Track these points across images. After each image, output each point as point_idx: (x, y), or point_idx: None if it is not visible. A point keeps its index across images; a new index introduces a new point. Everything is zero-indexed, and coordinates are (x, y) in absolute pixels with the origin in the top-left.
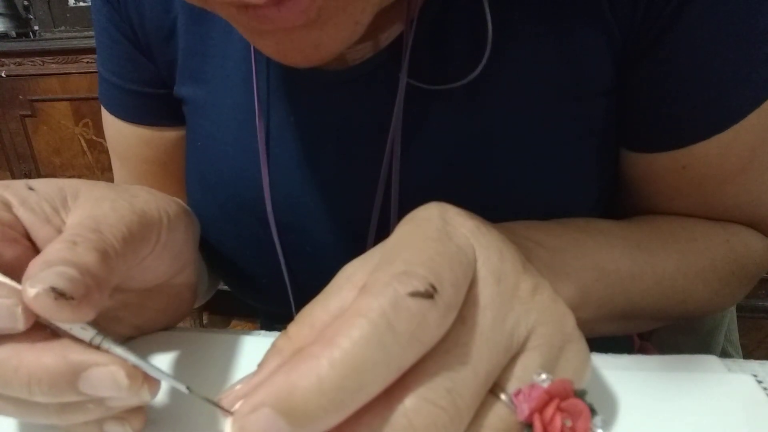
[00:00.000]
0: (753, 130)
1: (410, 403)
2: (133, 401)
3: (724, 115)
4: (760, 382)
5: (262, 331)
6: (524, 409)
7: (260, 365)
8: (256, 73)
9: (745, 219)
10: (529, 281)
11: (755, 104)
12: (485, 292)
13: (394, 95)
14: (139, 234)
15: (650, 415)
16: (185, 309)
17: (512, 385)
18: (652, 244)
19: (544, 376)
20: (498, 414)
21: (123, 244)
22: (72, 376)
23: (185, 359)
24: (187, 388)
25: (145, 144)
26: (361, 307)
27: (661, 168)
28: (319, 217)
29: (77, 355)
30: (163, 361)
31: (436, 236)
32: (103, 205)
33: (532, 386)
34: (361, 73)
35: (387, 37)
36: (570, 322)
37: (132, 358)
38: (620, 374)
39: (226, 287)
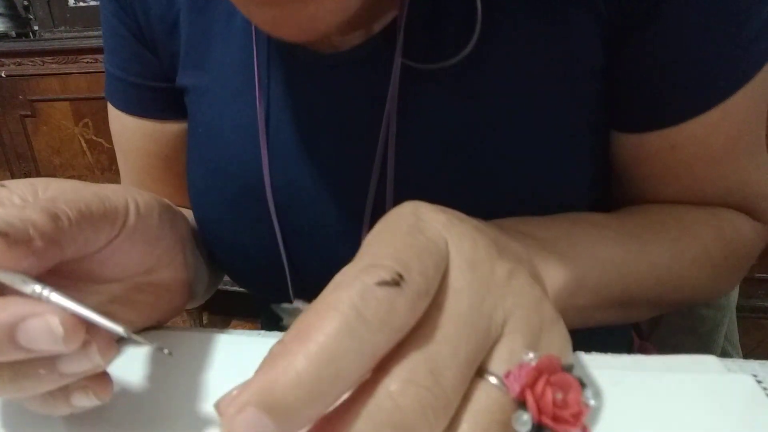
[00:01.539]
0: (739, 110)
1: (395, 386)
2: (84, 364)
3: (712, 93)
4: (760, 382)
5: (262, 331)
6: (515, 387)
7: (256, 372)
8: (257, 58)
9: (735, 203)
10: (504, 267)
11: (741, 83)
12: (460, 279)
13: (389, 77)
14: (99, 211)
15: (650, 415)
16: (178, 304)
17: (501, 368)
18: (644, 233)
19: (531, 355)
20: (491, 397)
21: (78, 214)
22: (10, 329)
23: (185, 359)
24: (125, 330)
25: (148, 137)
26: (331, 301)
27: (651, 149)
28: (317, 197)
29: (15, 307)
30: (162, 361)
31: (407, 231)
32: (65, 187)
33: (521, 366)
34: (357, 56)
35: (378, 25)
36: (547, 305)
37: (72, 306)
38: (620, 374)
39: (226, 287)
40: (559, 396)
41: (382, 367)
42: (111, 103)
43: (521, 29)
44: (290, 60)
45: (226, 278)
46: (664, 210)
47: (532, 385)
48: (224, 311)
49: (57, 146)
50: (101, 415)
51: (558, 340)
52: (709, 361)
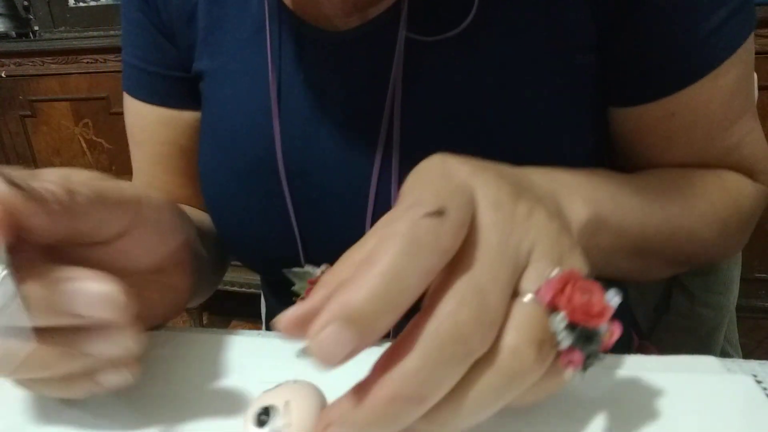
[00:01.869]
0: (730, 75)
1: (450, 306)
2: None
3: (707, 59)
4: (759, 382)
5: (262, 331)
6: (547, 297)
7: (309, 298)
8: (269, 37)
9: (733, 164)
10: (525, 206)
11: (732, 50)
12: (487, 218)
13: (393, 50)
14: (114, 196)
15: (650, 415)
16: (180, 304)
17: (533, 287)
18: (656, 188)
19: (556, 270)
20: (527, 311)
21: (93, 194)
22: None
23: (185, 359)
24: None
25: (163, 125)
26: (389, 232)
27: (651, 118)
28: (326, 164)
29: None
30: (162, 361)
31: (438, 177)
32: (81, 175)
33: (549, 281)
34: (362, 33)
35: (375, 9)
36: (566, 235)
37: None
38: (620, 374)
39: (226, 287)
40: (586, 297)
41: (434, 299)
42: (129, 93)
43: (518, 3)
44: (300, 39)
45: (226, 278)
46: (671, 171)
47: (560, 291)
48: (224, 311)
49: (57, 146)
50: (100, 415)
51: (578, 262)
52: (709, 361)
